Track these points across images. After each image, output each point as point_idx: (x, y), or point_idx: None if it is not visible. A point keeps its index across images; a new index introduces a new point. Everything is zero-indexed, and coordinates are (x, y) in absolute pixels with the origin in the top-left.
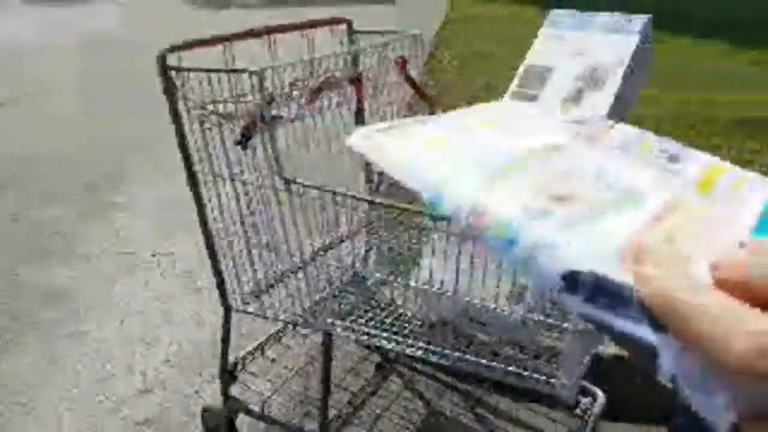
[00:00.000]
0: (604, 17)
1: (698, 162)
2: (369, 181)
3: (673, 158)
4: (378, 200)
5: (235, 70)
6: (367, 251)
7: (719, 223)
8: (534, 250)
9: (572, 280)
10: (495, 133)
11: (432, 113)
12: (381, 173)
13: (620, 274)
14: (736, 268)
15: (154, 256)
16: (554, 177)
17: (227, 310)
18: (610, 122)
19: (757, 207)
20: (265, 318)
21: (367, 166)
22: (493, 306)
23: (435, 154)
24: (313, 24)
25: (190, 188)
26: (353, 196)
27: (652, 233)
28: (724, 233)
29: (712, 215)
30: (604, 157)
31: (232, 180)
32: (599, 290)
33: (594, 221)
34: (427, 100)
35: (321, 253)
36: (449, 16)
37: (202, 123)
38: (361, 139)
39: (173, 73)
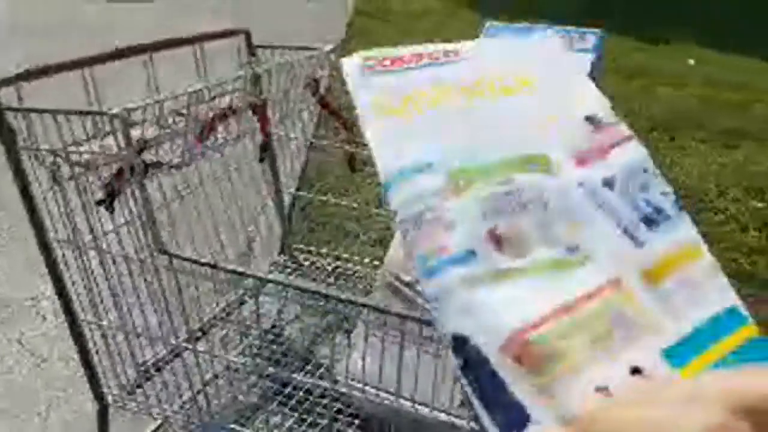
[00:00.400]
0: (544, 31)
1: (674, 237)
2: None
3: (650, 220)
4: (291, 283)
5: (90, 112)
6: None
7: (640, 330)
8: (447, 293)
9: (461, 343)
10: (494, 110)
11: (351, 142)
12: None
13: (499, 361)
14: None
15: None
16: (512, 208)
17: (103, 407)
18: (627, 132)
19: (698, 319)
20: (149, 415)
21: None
22: (442, 414)
23: (420, 119)
24: (203, 38)
25: (45, 263)
26: (256, 277)
27: (553, 325)
28: (638, 343)
29: (639, 317)
30: (581, 194)
31: (98, 251)
32: (477, 366)
33: (515, 283)
34: (345, 125)
35: (209, 336)
36: (359, 8)
37: (54, 177)
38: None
39: (10, 114)
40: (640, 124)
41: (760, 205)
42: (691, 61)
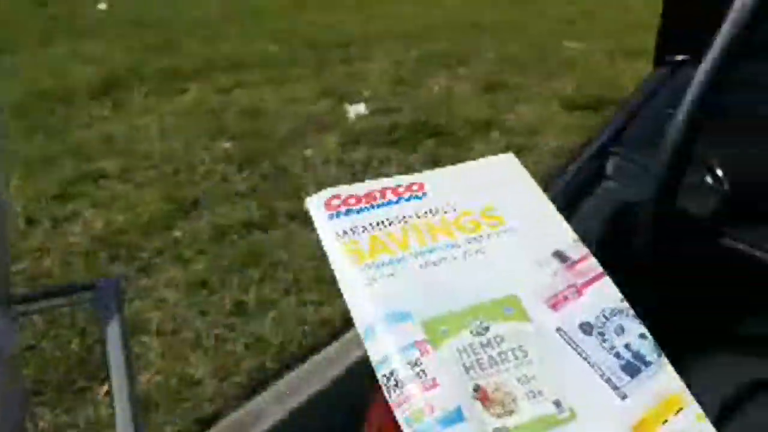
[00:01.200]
0: None
1: (658, 388)
2: None
3: (631, 368)
4: None
5: None
6: None
7: None
8: None
9: None
10: (462, 253)
11: None
12: None
13: None
14: None
15: None
16: (492, 361)
17: None
18: (597, 269)
19: None
20: None
21: None
22: None
23: (391, 267)
24: None
25: None
26: None
27: None
28: None
29: None
30: (560, 342)
31: None
32: None
33: None
34: None
35: None
36: None
37: None
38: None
39: None
40: None
41: None
42: None
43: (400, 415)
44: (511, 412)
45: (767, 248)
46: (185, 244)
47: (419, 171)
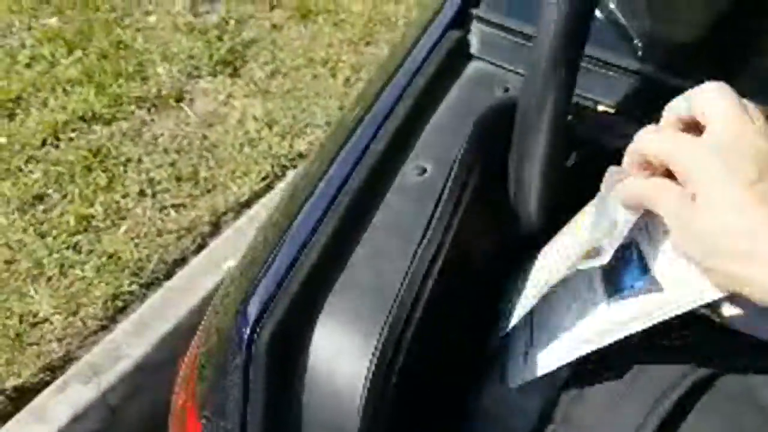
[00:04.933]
0: None
1: None
2: None
3: None
4: None
5: None
6: None
7: None
8: None
9: None
10: None
11: None
12: None
13: None
14: None
15: None
16: None
17: None
18: None
19: None
20: None
21: None
22: None
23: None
24: None
25: None
26: None
27: None
28: None
29: None
30: None
31: None
32: None
33: None
34: None
35: None
36: None
37: None
38: None
39: None
40: None
41: None
42: None
43: None
44: None
45: None
46: (13, 151)
47: (286, 29)
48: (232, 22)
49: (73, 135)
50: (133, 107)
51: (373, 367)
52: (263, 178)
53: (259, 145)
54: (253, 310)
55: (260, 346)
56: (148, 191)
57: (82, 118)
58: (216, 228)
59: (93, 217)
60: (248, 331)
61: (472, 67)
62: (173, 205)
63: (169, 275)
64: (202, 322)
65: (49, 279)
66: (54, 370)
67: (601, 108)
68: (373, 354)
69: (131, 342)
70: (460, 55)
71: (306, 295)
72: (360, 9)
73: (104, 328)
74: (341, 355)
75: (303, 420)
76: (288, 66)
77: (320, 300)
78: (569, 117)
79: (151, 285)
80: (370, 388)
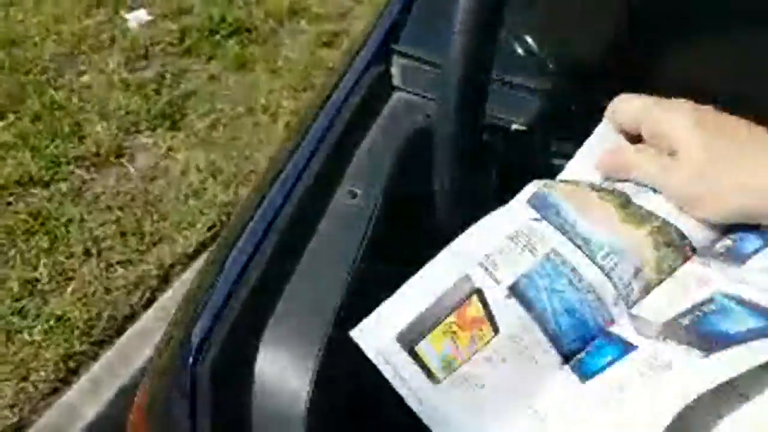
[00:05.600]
0: None
1: None
2: None
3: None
4: None
5: None
6: None
7: None
8: None
9: None
10: None
11: None
12: None
13: None
14: None
15: None
16: None
17: None
18: None
19: None
20: None
21: None
22: None
23: None
24: None
25: None
26: None
27: None
28: None
29: None
30: None
31: None
32: None
33: None
34: None
35: None
36: None
37: None
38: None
39: None
40: None
41: None
42: None
43: None
44: None
45: None
46: None
47: (224, 79)
48: (168, 75)
49: (11, 199)
50: (72, 167)
51: (313, 384)
52: (209, 228)
53: (203, 195)
54: (195, 340)
55: (204, 373)
56: (93, 250)
57: (19, 183)
58: (164, 281)
59: (37, 280)
60: (191, 360)
61: (395, 97)
62: (119, 262)
63: (120, 332)
64: (147, 368)
65: None
66: None
67: (514, 126)
68: (313, 371)
69: (87, 401)
70: (383, 87)
71: (246, 321)
72: (296, 56)
73: (56, 391)
74: (284, 374)
75: None
76: (228, 115)
77: (261, 325)
78: (484, 137)
79: (102, 343)
80: (311, 404)
